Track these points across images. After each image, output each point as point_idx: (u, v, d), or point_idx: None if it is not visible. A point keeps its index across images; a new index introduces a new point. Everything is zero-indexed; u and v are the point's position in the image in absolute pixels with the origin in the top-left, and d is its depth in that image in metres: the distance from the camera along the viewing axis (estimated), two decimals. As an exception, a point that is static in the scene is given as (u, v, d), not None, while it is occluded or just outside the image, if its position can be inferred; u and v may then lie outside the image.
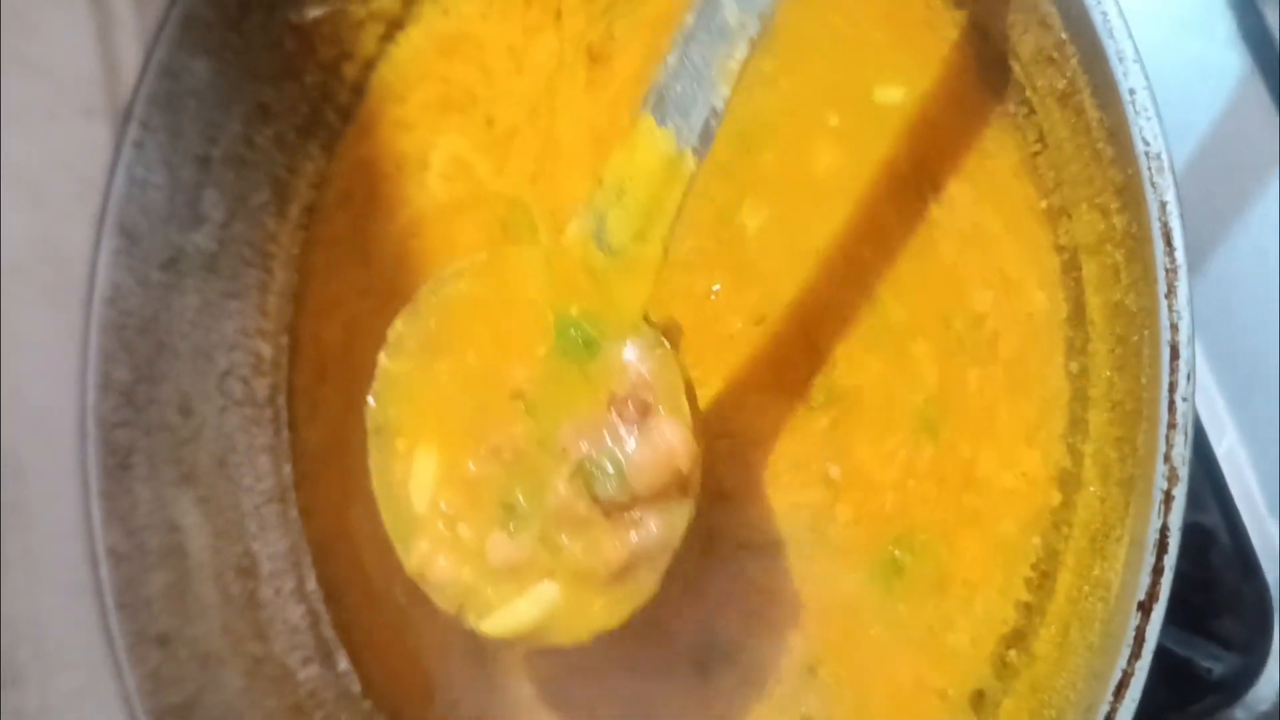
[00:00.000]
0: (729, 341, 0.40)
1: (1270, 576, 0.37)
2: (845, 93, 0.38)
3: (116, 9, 0.63)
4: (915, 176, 0.36)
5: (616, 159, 0.32)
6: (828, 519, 0.37)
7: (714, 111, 0.32)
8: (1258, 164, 0.39)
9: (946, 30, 0.35)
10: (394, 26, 0.48)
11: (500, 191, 0.46)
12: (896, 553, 0.36)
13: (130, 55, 0.64)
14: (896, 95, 0.37)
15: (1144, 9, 0.40)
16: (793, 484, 0.38)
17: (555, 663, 0.42)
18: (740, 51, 0.31)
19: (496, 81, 0.47)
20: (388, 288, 0.47)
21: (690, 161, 0.32)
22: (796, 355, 0.39)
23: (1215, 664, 0.38)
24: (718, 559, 0.39)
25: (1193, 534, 0.39)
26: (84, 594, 0.45)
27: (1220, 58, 0.40)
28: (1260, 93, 0.39)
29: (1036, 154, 0.32)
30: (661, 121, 0.32)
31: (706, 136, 0.32)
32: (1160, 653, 0.39)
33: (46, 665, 0.49)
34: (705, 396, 0.40)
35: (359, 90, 0.49)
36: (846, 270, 0.37)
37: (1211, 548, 0.39)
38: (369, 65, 0.48)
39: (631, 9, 0.44)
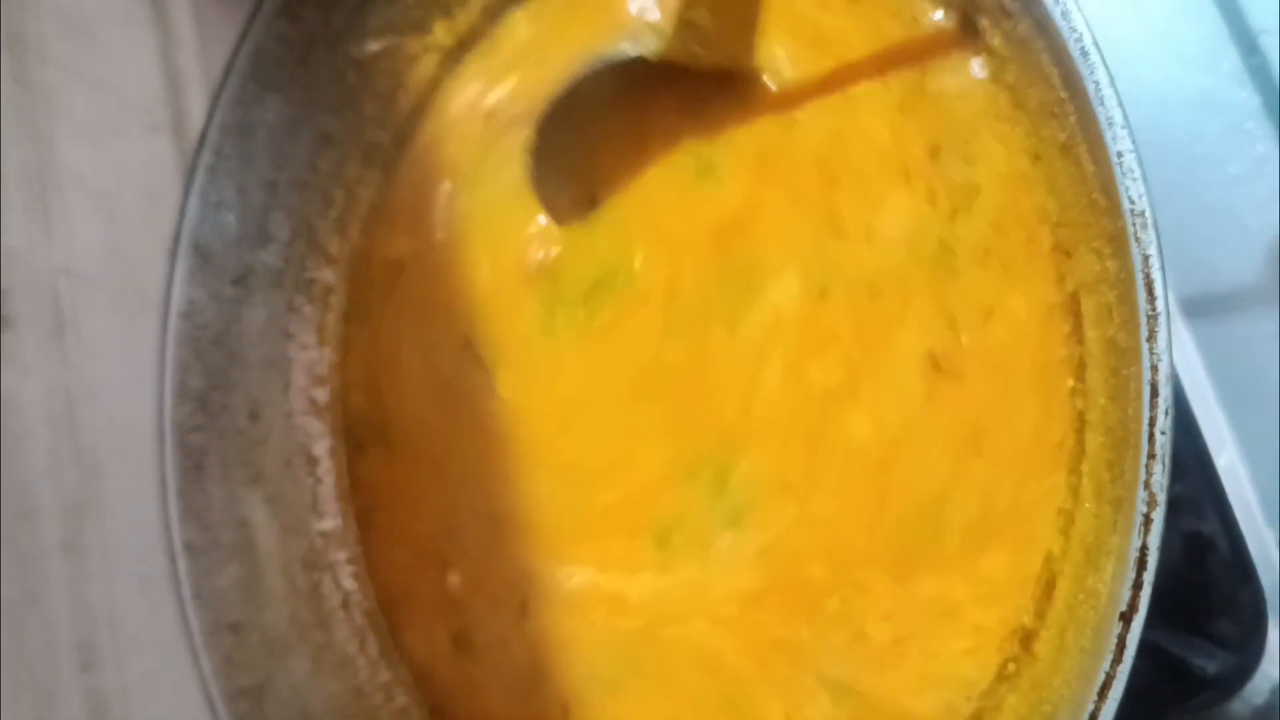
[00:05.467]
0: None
1: (1265, 581, 0.39)
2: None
3: (178, 29, 0.66)
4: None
5: None
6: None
7: None
8: (1260, 194, 0.41)
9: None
10: (449, 58, 0.50)
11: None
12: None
13: (192, 73, 0.66)
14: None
15: (1153, 47, 0.42)
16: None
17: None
18: None
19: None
20: (442, 303, 0.50)
21: None
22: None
23: (1211, 663, 0.40)
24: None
25: (1193, 541, 0.42)
26: (158, 584, 0.47)
27: (1226, 93, 0.41)
28: (1264, 125, 0.41)
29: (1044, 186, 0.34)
30: None
31: None
32: (1160, 653, 0.42)
33: (122, 650, 0.51)
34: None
35: (415, 117, 0.51)
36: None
37: (1210, 554, 0.41)
38: (424, 95, 0.51)
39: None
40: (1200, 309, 0.41)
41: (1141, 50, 0.42)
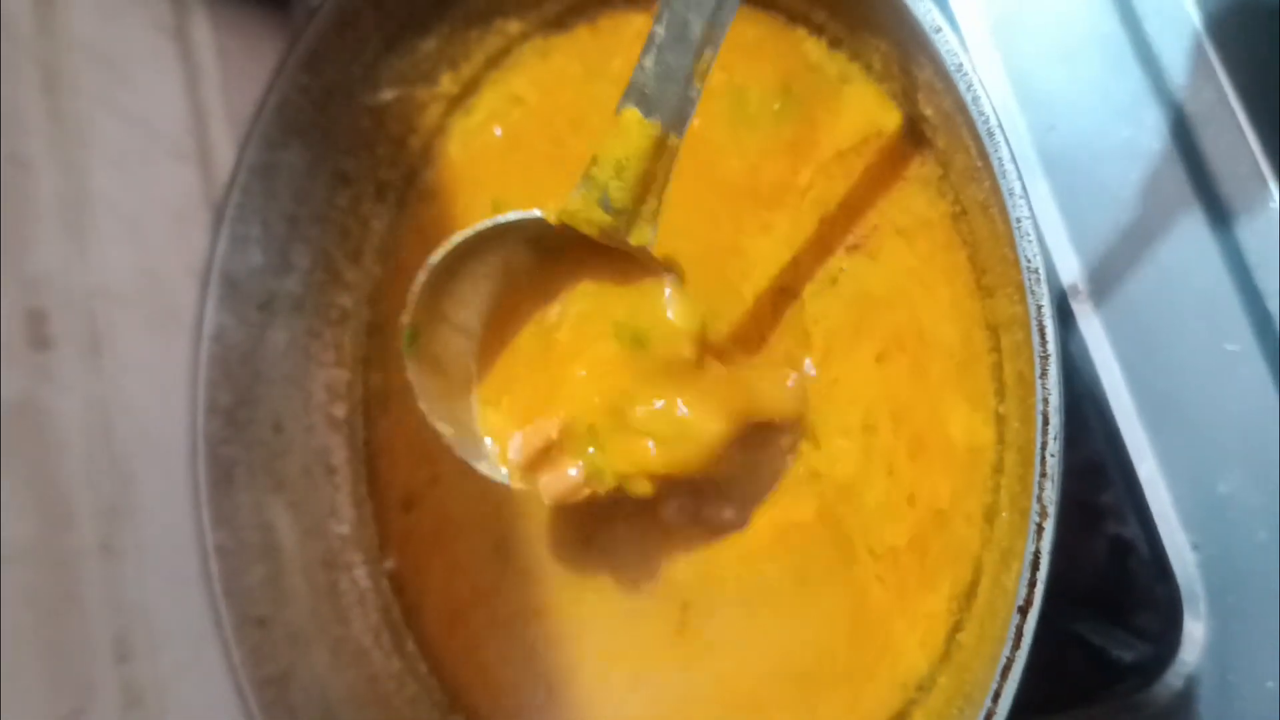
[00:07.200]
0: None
1: (1180, 579, 0.42)
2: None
3: (202, 63, 0.69)
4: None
5: (610, 144, 0.38)
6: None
7: (690, 101, 0.37)
8: (1176, 235, 0.44)
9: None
10: (454, 105, 0.54)
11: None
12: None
13: (216, 105, 0.70)
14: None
15: (1083, 100, 0.46)
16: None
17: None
18: (708, 55, 0.36)
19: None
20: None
21: (674, 140, 0.37)
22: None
23: (1131, 652, 0.44)
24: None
25: (1117, 544, 0.46)
26: (189, 581, 0.49)
27: (1147, 143, 0.44)
28: (1179, 174, 0.44)
29: (969, 243, 0.39)
30: (647, 115, 0.37)
31: (684, 120, 0.37)
32: (1087, 644, 0.46)
33: (156, 642, 0.53)
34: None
35: (423, 158, 0.55)
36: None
37: (1131, 555, 0.45)
38: (432, 138, 0.55)
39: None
40: (1125, 336, 0.45)
41: (1074, 104, 0.46)
